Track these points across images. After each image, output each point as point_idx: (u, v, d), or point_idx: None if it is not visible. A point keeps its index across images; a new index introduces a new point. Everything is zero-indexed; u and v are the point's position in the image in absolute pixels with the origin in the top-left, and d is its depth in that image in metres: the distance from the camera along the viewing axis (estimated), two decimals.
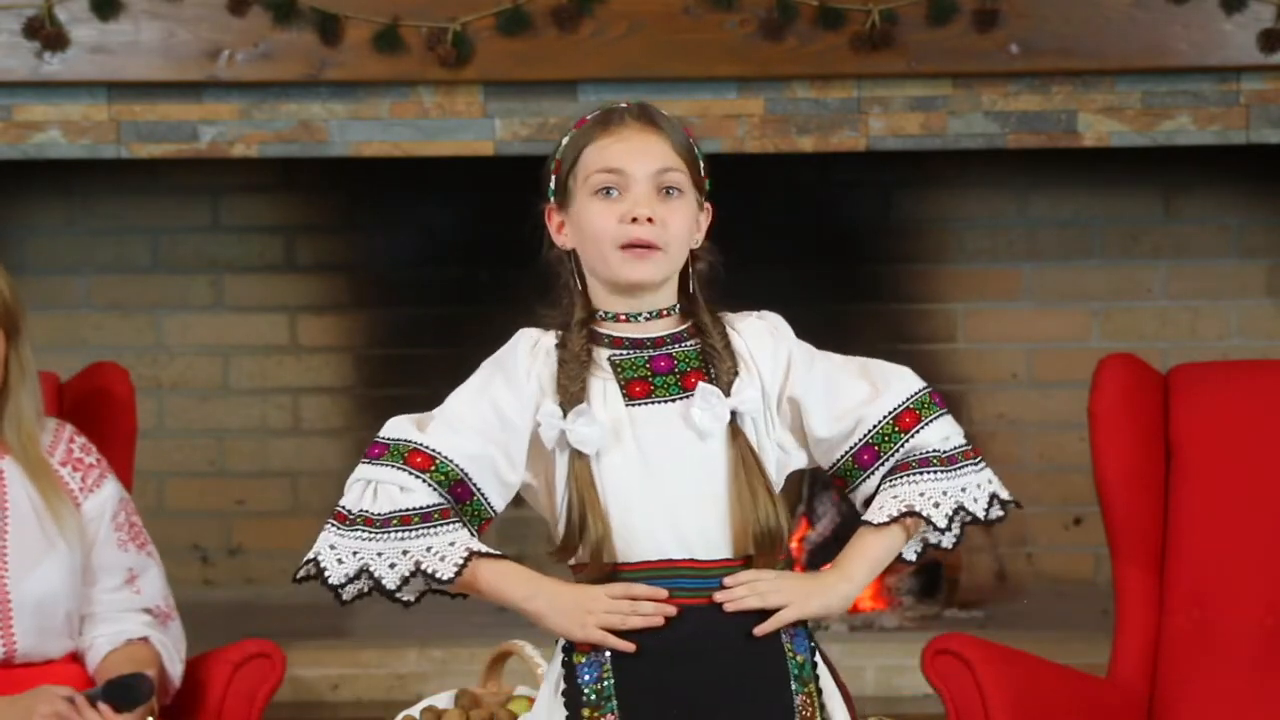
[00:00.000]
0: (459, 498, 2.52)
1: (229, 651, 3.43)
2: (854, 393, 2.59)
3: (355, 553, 2.49)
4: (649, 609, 2.48)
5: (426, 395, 2.67)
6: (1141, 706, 3.56)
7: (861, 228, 5.58)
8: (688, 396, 2.53)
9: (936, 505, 2.56)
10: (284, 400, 5.63)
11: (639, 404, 2.53)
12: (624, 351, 2.55)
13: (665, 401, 2.53)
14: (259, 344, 5.61)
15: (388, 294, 5.61)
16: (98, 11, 4.68)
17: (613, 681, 2.50)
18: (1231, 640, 3.55)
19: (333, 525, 2.52)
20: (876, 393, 2.59)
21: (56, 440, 3.39)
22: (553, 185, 2.60)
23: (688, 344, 2.57)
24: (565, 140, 2.59)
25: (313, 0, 4.70)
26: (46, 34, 4.68)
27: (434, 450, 2.51)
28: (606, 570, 2.50)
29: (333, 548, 2.50)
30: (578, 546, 2.50)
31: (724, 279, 2.62)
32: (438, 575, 2.47)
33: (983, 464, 2.62)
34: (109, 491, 3.39)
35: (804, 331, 2.64)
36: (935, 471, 2.57)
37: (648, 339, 2.56)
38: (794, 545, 5.18)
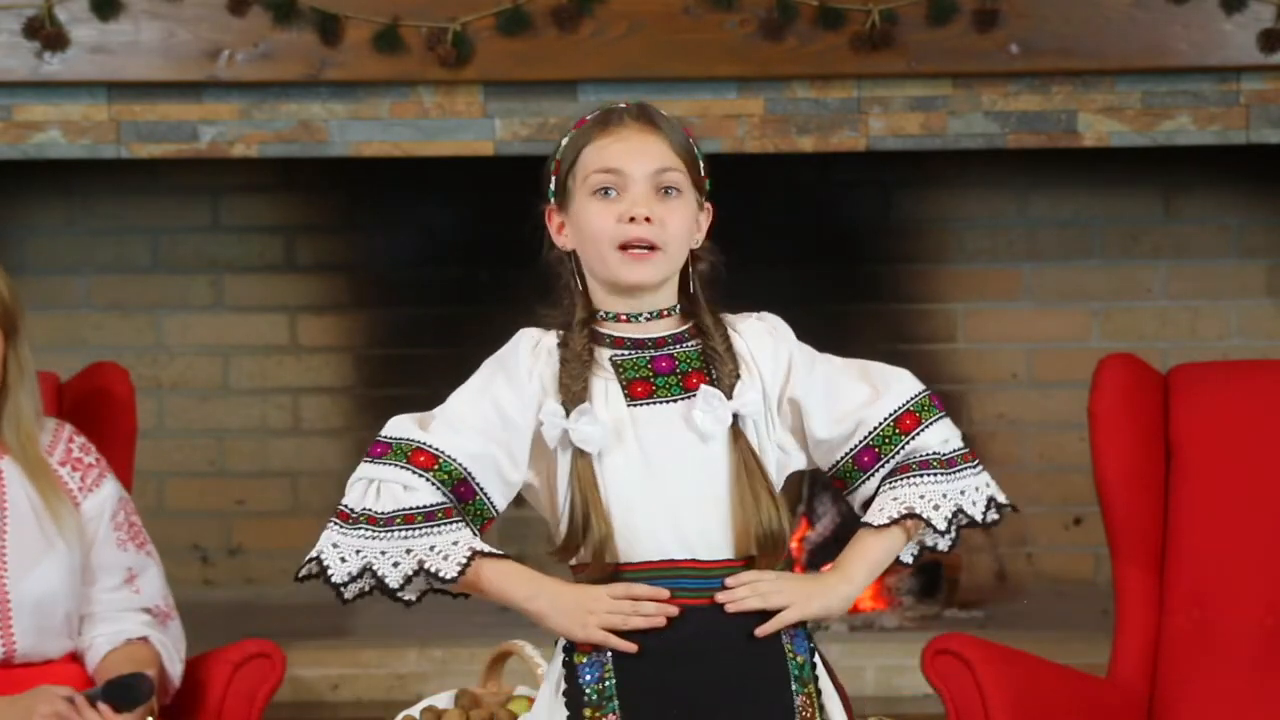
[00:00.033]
0: (461, 497, 2.52)
1: (229, 651, 3.43)
2: (854, 395, 2.59)
3: (358, 551, 2.49)
4: (651, 609, 2.48)
5: (426, 395, 2.67)
6: (1141, 706, 3.56)
7: (861, 228, 5.58)
8: (689, 397, 2.53)
9: (936, 508, 2.56)
10: (284, 400, 5.63)
11: (641, 404, 2.53)
12: (625, 351, 2.56)
13: (667, 402, 2.53)
14: (259, 344, 5.61)
15: (388, 294, 5.61)
16: (98, 11, 4.68)
17: (614, 681, 2.50)
18: (1231, 640, 3.55)
19: (335, 524, 2.52)
20: (877, 395, 2.59)
21: (56, 440, 3.39)
22: (552, 186, 2.60)
23: (689, 344, 2.57)
24: (565, 141, 2.59)
25: (313, 0, 4.70)
26: (46, 34, 4.68)
27: (437, 449, 2.51)
28: (608, 570, 2.50)
29: (335, 546, 2.50)
30: (580, 546, 2.50)
31: (725, 279, 2.62)
32: (441, 574, 2.47)
33: (980, 467, 2.63)
34: (108, 491, 3.39)
35: (804, 332, 2.64)
36: (935, 474, 2.58)
37: (649, 339, 2.57)
38: (794, 545, 5.18)
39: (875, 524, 2.57)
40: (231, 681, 3.39)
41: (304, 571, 2.52)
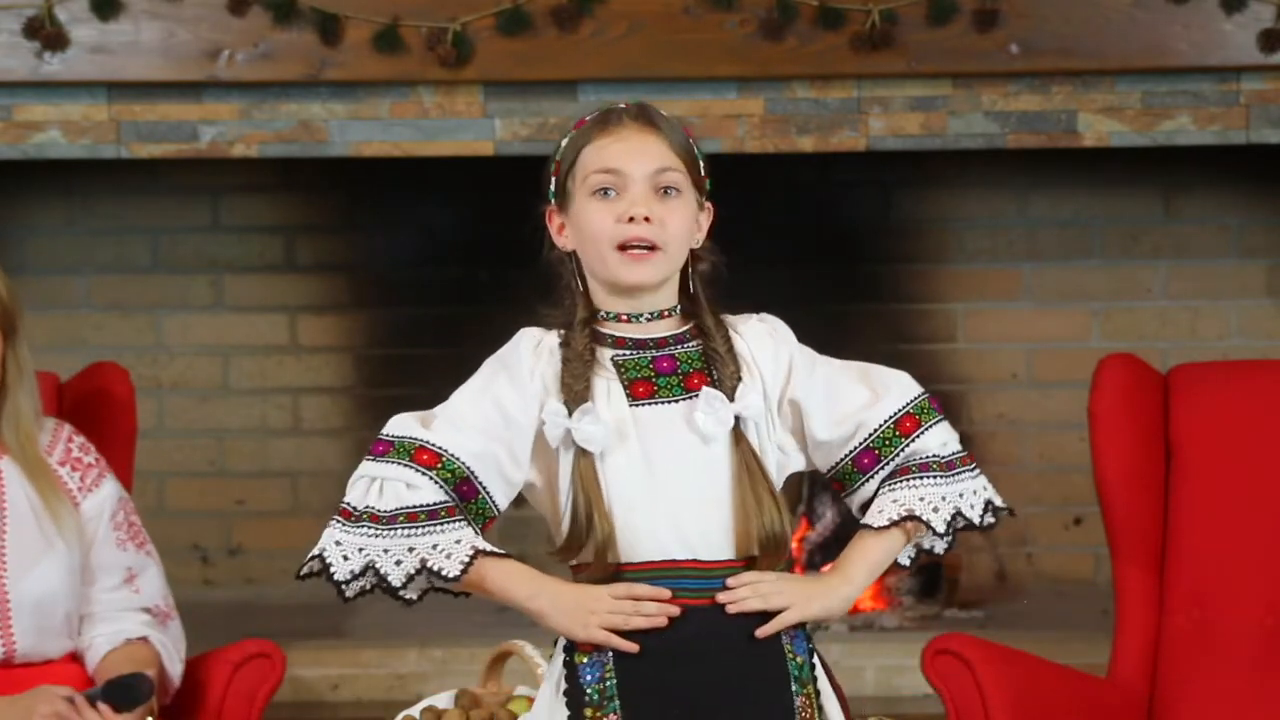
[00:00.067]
0: (464, 496, 2.52)
1: (229, 651, 3.43)
2: (855, 397, 2.60)
3: (361, 549, 2.49)
4: (652, 609, 2.48)
5: (426, 395, 2.67)
6: (1141, 706, 3.56)
7: (861, 228, 5.58)
8: (690, 397, 2.53)
9: (936, 510, 2.57)
10: (284, 400, 5.63)
11: (642, 404, 2.53)
12: (627, 351, 2.56)
13: (668, 402, 2.54)
14: (259, 344, 5.61)
15: (388, 294, 5.61)
16: (98, 11, 4.68)
17: (615, 681, 2.50)
18: (1231, 640, 3.55)
19: (338, 521, 2.51)
20: (876, 397, 2.60)
21: (55, 440, 3.39)
22: (552, 187, 2.60)
23: (690, 345, 2.57)
24: (564, 141, 2.59)
25: (313, 0, 4.70)
26: (46, 34, 4.68)
27: (440, 448, 2.51)
28: (609, 570, 2.50)
29: (338, 544, 2.50)
30: (581, 546, 2.50)
31: (725, 279, 2.62)
32: (443, 573, 2.47)
33: (978, 471, 2.64)
34: (108, 491, 3.39)
35: (804, 332, 2.64)
36: (935, 477, 2.58)
37: (650, 339, 2.57)
38: (794, 545, 5.18)
39: (875, 526, 2.57)
40: (231, 681, 3.39)
41: (306, 569, 2.52)
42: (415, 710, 3.17)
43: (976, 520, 2.60)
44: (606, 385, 2.54)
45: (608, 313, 2.57)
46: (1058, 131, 4.81)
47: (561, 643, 2.54)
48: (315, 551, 2.51)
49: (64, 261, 5.55)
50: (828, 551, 5.09)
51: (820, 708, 2.55)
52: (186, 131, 4.81)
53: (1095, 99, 4.78)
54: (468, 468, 2.51)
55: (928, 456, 2.60)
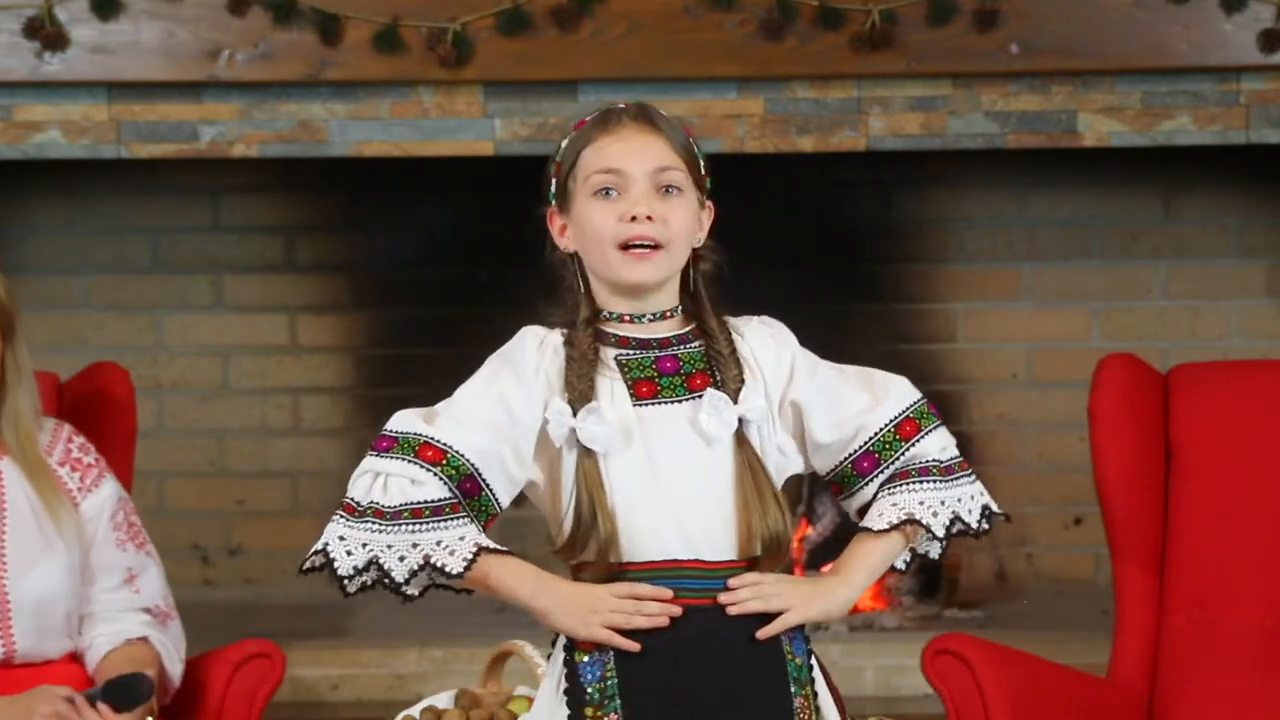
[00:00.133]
0: (467, 493, 2.51)
1: (229, 651, 3.43)
2: (855, 401, 2.60)
3: (365, 544, 2.49)
4: (653, 609, 2.48)
5: (426, 395, 2.67)
6: (1141, 706, 3.56)
7: (861, 228, 5.58)
8: (693, 398, 2.54)
9: (935, 514, 2.58)
10: (284, 400, 5.63)
11: (646, 404, 2.53)
12: (630, 351, 2.56)
13: (672, 402, 2.54)
14: (259, 344, 5.61)
15: (388, 294, 5.61)
16: (98, 11, 4.68)
17: (616, 680, 2.50)
18: (1231, 640, 3.56)
19: (341, 516, 2.51)
20: (877, 401, 2.61)
21: (55, 440, 3.39)
22: (553, 188, 2.60)
23: (693, 345, 2.57)
24: (565, 142, 2.59)
25: (313, 0, 4.70)
26: (46, 34, 4.68)
27: (445, 444, 2.51)
28: (612, 569, 2.50)
29: (342, 539, 2.50)
30: (584, 545, 2.50)
31: (726, 279, 2.62)
32: (447, 569, 2.47)
33: (974, 476, 2.65)
34: (107, 491, 3.39)
35: (804, 332, 2.64)
36: (934, 481, 2.59)
37: (653, 339, 2.57)
38: (794, 546, 5.18)
39: (875, 529, 2.58)
40: (231, 681, 3.39)
41: (309, 563, 2.52)
42: (415, 710, 3.17)
43: (974, 525, 2.61)
44: (610, 385, 2.54)
45: (610, 313, 2.57)
46: (1058, 131, 4.81)
47: (561, 641, 2.54)
48: (318, 546, 2.51)
49: (64, 261, 5.54)
50: (828, 552, 5.08)
51: (818, 709, 2.56)
52: (186, 131, 4.81)
53: (1095, 99, 4.78)
54: (472, 465, 2.51)
55: (927, 461, 2.60)
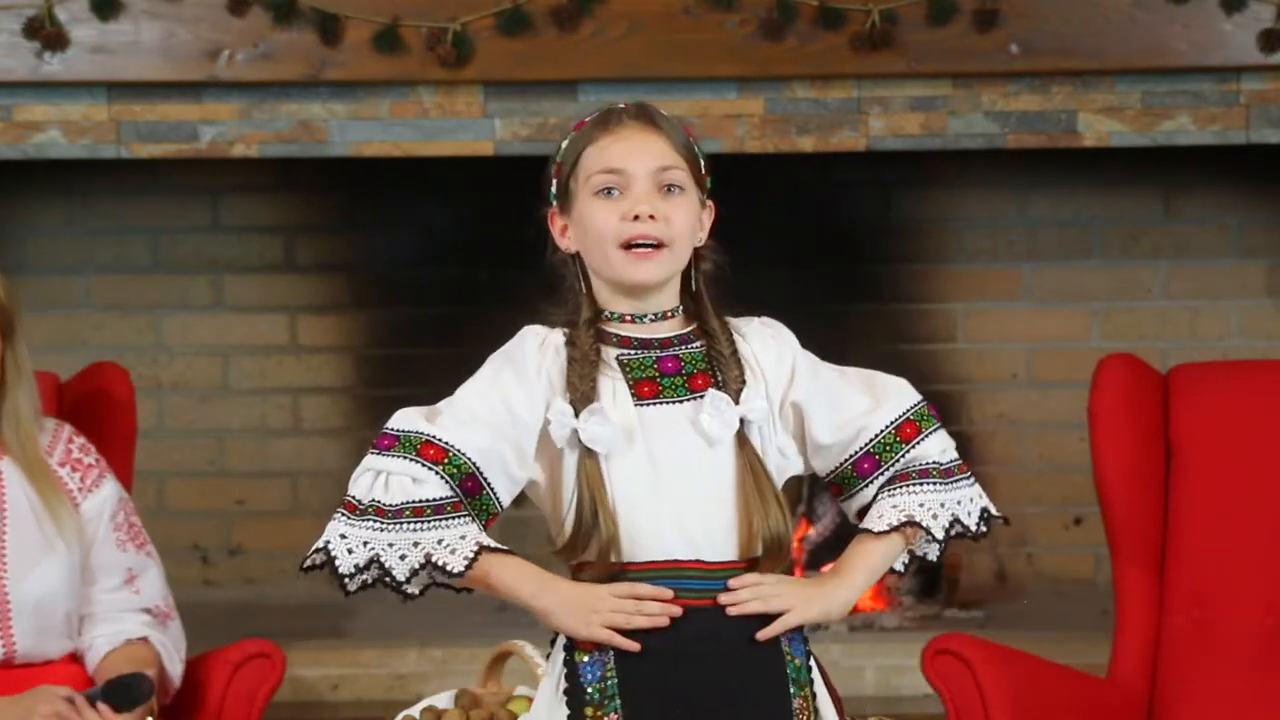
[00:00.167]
0: (468, 491, 2.51)
1: (229, 651, 3.43)
2: (856, 402, 2.60)
3: (366, 543, 2.48)
4: (654, 609, 2.48)
5: (426, 395, 2.67)
6: (1141, 706, 3.56)
7: (861, 228, 5.58)
8: (695, 398, 2.54)
9: (935, 517, 2.59)
10: (284, 400, 5.63)
11: (647, 404, 2.53)
12: (632, 351, 2.56)
13: (673, 403, 2.54)
14: (259, 344, 5.61)
15: (388, 294, 5.61)
16: (98, 11, 4.68)
17: (616, 680, 2.50)
18: (1231, 640, 3.55)
19: (342, 515, 2.51)
20: (877, 403, 2.61)
21: (55, 440, 3.39)
22: (554, 188, 2.60)
23: (694, 346, 2.58)
24: (565, 143, 2.59)
25: (313, 0, 4.70)
26: (46, 34, 4.68)
27: (447, 443, 2.51)
28: (613, 569, 2.50)
29: (343, 537, 2.49)
30: (585, 545, 2.50)
31: (728, 279, 2.62)
32: (448, 568, 2.47)
33: (973, 479, 2.66)
34: (108, 491, 3.39)
35: (804, 332, 2.64)
36: (934, 483, 2.60)
37: (655, 339, 2.57)
38: (794, 546, 5.18)
39: (875, 530, 2.58)
40: (231, 681, 3.39)
41: (309, 562, 2.52)
42: (415, 710, 3.17)
43: (973, 528, 2.62)
44: (612, 385, 2.54)
45: (612, 313, 2.57)
46: (1058, 131, 4.81)
47: (561, 641, 2.54)
48: (319, 544, 2.51)
49: (64, 261, 5.55)
50: (828, 552, 5.08)
51: (817, 710, 2.56)
52: (186, 131, 4.81)
53: (1095, 99, 4.78)
54: (474, 464, 2.51)
55: (927, 463, 2.61)
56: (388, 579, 2.48)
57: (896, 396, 2.62)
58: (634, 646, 2.48)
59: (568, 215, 2.58)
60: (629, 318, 2.57)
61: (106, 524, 3.36)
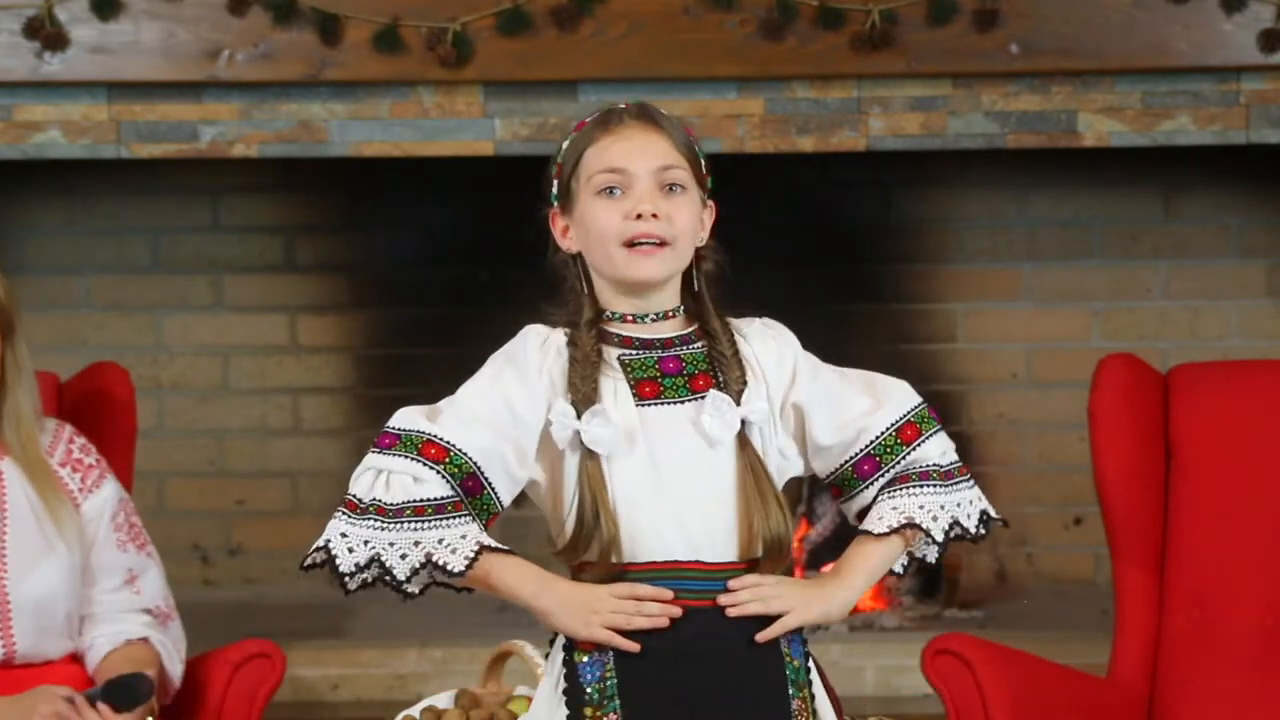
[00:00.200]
0: (469, 491, 2.51)
1: (229, 651, 3.43)
2: (857, 404, 2.60)
3: (366, 542, 2.48)
4: (654, 610, 2.48)
5: (426, 395, 2.67)
6: (1141, 706, 3.56)
7: (861, 228, 5.58)
8: (696, 399, 2.54)
9: (935, 519, 2.59)
10: (284, 400, 5.63)
11: (649, 404, 2.53)
12: (634, 351, 2.56)
13: (675, 403, 2.54)
14: (259, 344, 5.61)
15: (388, 294, 5.61)
16: (98, 11, 4.68)
17: (615, 681, 2.50)
18: (1231, 640, 3.55)
19: (343, 513, 2.51)
20: (878, 404, 2.61)
21: (56, 440, 3.39)
22: (555, 189, 2.60)
23: (695, 346, 2.58)
24: (566, 144, 2.59)
25: (313, 0, 4.70)
26: (46, 34, 4.68)
27: (448, 442, 2.51)
28: (613, 570, 2.50)
29: (344, 536, 2.49)
30: (587, 546, 2.50)
31: (729, 279, 2.62)
32: (448, 568, 2.47)
33: (973, 481, 2.66)
34: (108, 492, 3.39)
35: (805, 332, 2.64)
36: (934, 485, 2.60)
37: (656, 340, 2.57)
38: (794, 546, 5.18)
39: (875, 532, 2.58)
40: (231, 681, 3.39)
41: (310, 560, 2.51)
42: (415, 710, 3.17)
43: (972, 530, 2.62)
44: (614, 385, 2.54)
45: (613, 313, 2.57)
46: (1058, 131, 4.81)
47: (560, 641, 2.54)
48: (320, 542, 2.51)
49: (64, 261, 5.55)
50: (828, 552, 5.08)
51: (815, 711, 2.56)
52: (186, 131, 4.81)
53: (1095, 99, 4.78)
54: (475, 463, 2.51)
55: (928, 465, 2.61)
56: (388, 578, 2.48)
57: (897, 398, 2.62)
58: (633, 647, 2.48)
59: (569, 216, 2.58)
60: (630, 318, 2.57)
61: (107, 524, 3.36)
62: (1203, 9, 4.70)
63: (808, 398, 2.58)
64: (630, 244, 2.52)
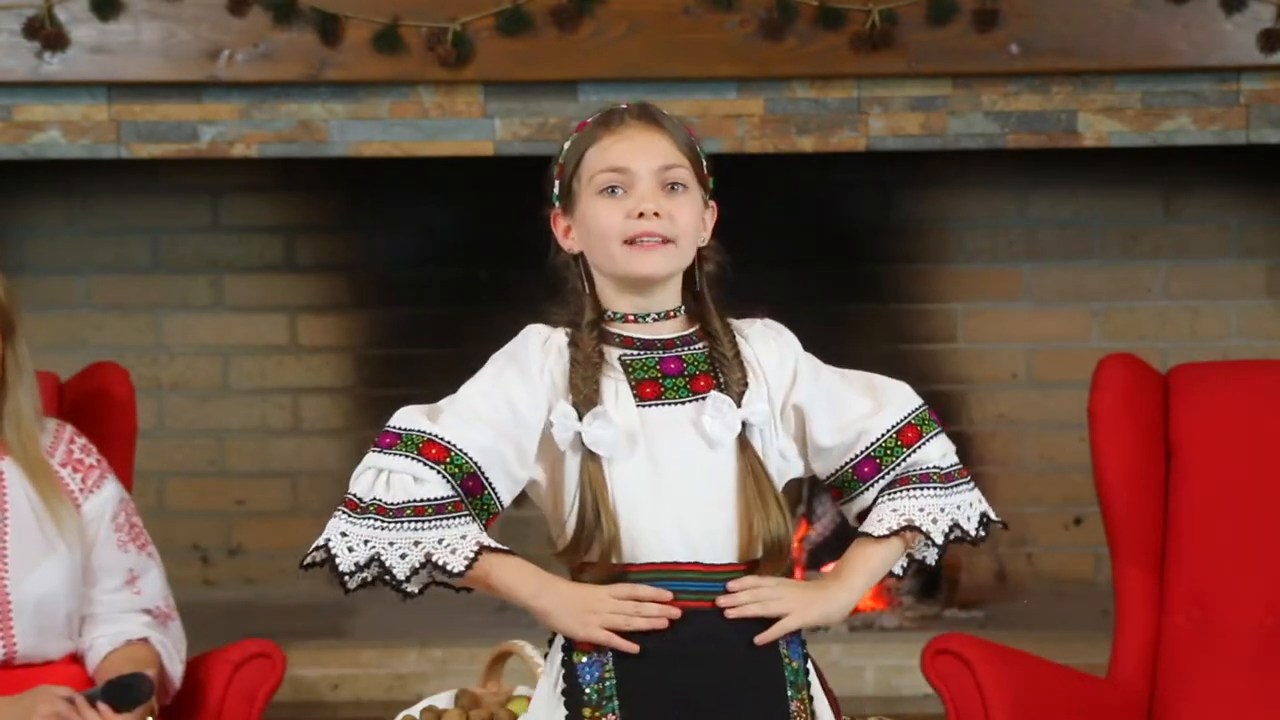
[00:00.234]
0: (469, 491, 2.51)
1: (229, 651, 3.43)
2: (857, 405, 2.60)
3: (366, 541, 2.48)
4: (653, 610, 2.48)
5: (426, 395, 2.67)
6: (1141, 706, 3.56)
7: (861, 228, 5.58)
8: (697, 400, 2.54)
9: (934, 521, 2.59)
10: (284, 400, 5.63)
11: (649, 405, 2.53)
12: (635, 352, 2.56)
13: (675, 404, 2.54)
14: (259, 344, 5.61)
15: (388, 294, 5.61)
16: (98, 11, 4.68)
17: (614, 681, 2.50)
18: (1231, 640, 3.55)
19: (343, 513, 2.51)
20: (879, 406, 2.61)
21: (56, 441, 3.39)
22: (556, 189, 2.60)
23: (696, 347, 2.57)
24: (567, 144, 2.59)
25: (313, 0, 4.70)
26: (46, 34, 4.68)
27: (449, 442, 2.50)
28: (614, 571, 2.50)
29: (344, 535, 2.49)
30: (588, 547, 2.50)
31: (730, 279, 2.62)
32: (448, 568, 2.47)
33: (973, 484, 2.66)
34: (109, 492, 3.39)
35: (805, 332, 2.64)
36: (935, 488, 2.60)
37: (658, 340, 2.57)
38: (794, 546, 5.18)
39: (875, 534, 2.58)
40: (231, 681, 3.39)
41: (309, 559, 2.51)
42: (415, 710, 3.17)
43: (972, 533, 2.62)
44: (615, 386, 2.53)
45: (615, 313, 2.57)
46: (1058, 131, 4.81)
47: (559, 641, 2.54)
48: (320, 541, 2.50)
49: (64, 261, 5.55)
50: (827, 553, 5.08)
51: (814, 713, 2.56)
52: (186, 131, 4.81)
53: (1095, 99, 4.78)
54: (475, 463, 2.51)
55: (928, 468, 2.61)
56: (388, 578, 2.48)
57: (898, 400, 2.62)
58: (632, 648, 2.48)
59: (571, 216, 2.58)
60: (632, 317, 2.57)
61: (107, 525, 3.36)
62: (1203, 9, 4.70)
63: (808, 399, 2.58)
64: (631, 241, 2.52)
